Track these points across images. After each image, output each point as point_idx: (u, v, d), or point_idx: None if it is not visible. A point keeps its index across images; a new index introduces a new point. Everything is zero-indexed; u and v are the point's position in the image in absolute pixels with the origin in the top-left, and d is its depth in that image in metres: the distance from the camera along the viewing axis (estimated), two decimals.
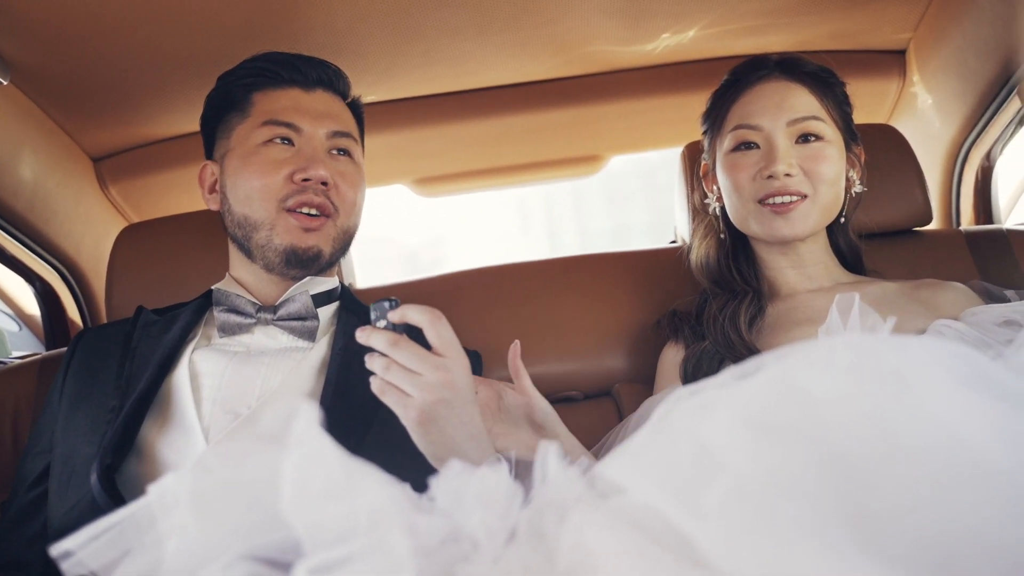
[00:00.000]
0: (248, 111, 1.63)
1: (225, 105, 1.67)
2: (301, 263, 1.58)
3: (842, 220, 1.72)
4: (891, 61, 2.41)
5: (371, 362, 1.17)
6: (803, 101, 1.63)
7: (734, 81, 1.72)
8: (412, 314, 1.16)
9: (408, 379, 1.14)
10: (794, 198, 1.59)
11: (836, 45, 2.34)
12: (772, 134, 1.62)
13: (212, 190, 1.69)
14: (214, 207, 1.69)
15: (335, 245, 1.62)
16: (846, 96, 1.72)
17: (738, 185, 1.65)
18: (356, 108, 1.77)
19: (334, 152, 1.64)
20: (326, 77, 1.69)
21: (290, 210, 1.56)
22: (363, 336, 1.17)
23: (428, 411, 1.15)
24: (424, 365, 1.14)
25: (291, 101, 1.63)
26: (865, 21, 2.23)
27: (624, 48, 2.24)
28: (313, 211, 1.57)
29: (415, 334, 1.18)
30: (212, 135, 1.71)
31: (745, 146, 1.65)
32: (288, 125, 1.60)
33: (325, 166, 1.57)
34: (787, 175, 1.58)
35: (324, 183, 1.57)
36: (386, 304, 1.17)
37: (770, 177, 1.59)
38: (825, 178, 1.60)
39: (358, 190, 1.66)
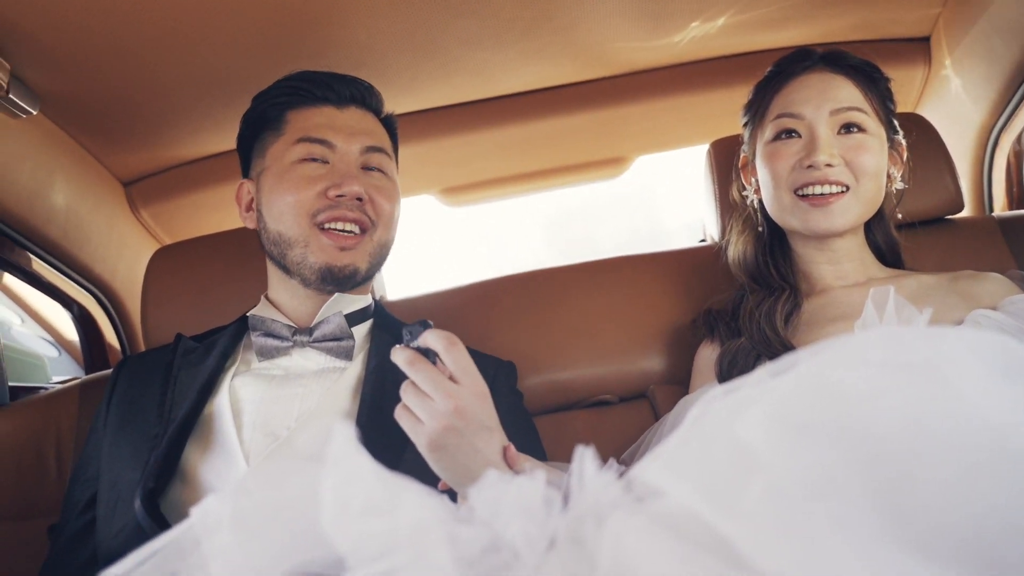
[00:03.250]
0: (282, 129, 1.65)
1: (260, 124, 1.69)
2: (337, 281, 1.59)
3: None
4: (916, 49, 2.38)
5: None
6: (847, 92, 1.62)
7: (778, 72, 1.72)
8: (430, 339, 1.17)
9: (420, 403, 1.15)
10: (834, 189, 1.58)
11: (860, 35, 2.33)
12: (814, 123, 1.60)
13: (249, 208, 1.71)
14: (251, 226, 1.71)
15: (372, 260, 1.64)
16: (890, 92, 1.70)
17: (776, 174, 1.64)
18: (389, 124, 1.78)
19: (368, 168, 1.66)
20: (358, 94, 1.71)
21: (322, 226, 1.57)
22: (392, 354, 1.18)
23: (437, 438, 1.15)
24: (436, 390, 1.15)
25: (324, 118, 1.65)
26: (888, 9, 2.21)
27: (645, 48, 2.24)
28: (349, 227, 1.58)
29: None
30: (248, 154, 1.73)
31: (786, 134, 1.64)
32: (322, 142, 1.61)
33: (359, 181, 1.58)
34: (828, 165, 1.57)
35: (359, 198, 1.58)
36: (419, 327, 1.19)
37: (810, 167, 1.58)
38: (867, 170, 1.58)
39: (394, 203, 1.68)
